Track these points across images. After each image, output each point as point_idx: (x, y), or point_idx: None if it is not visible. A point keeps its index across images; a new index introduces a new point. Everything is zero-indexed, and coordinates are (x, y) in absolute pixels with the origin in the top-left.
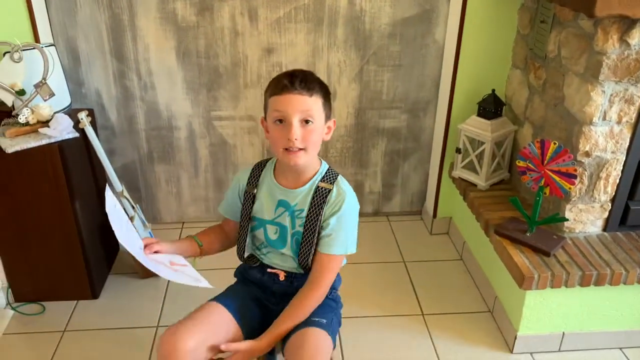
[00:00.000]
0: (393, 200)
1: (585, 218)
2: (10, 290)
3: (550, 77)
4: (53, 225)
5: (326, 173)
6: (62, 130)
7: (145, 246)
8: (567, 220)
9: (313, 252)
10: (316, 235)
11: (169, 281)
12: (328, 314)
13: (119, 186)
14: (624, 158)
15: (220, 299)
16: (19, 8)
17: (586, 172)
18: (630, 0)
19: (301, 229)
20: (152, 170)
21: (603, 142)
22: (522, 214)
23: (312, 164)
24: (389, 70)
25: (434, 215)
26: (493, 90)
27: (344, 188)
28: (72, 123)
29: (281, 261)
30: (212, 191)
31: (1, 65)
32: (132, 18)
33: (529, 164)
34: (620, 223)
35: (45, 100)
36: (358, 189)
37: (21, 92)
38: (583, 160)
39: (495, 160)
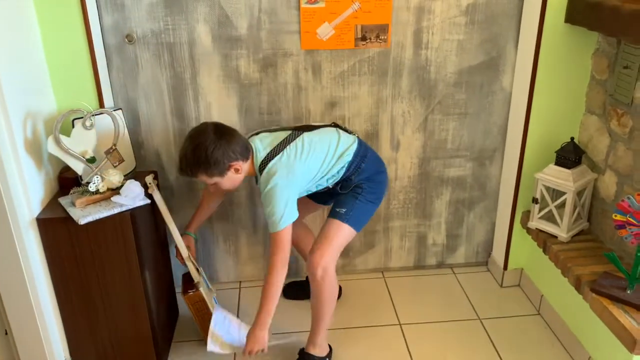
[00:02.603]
0: (457, 251)
1: None
2: None
3: (639, 125)
4: (121, 295)
5: (260, 169)
6: (134, 197)
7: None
8: None
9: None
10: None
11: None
12: (348, 200)
13: (185, 251)
14: None
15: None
16: (85, 73)
17: None
18: None
19: None
20: (211, 229)
21: None
22: (621, 271)
23: (251, 171)
24: (454, 119)
25: (505, 267)
26: (572, 139)
27: (264, 179)
28: (143, 190)
29: None
30: None
31: (73, 133)
32: (194, 76)
33: (629, 218)
34: None
35: (114, 167)
36: (421, 241)
37: (92, 160)
38: None
39: (576, 211)
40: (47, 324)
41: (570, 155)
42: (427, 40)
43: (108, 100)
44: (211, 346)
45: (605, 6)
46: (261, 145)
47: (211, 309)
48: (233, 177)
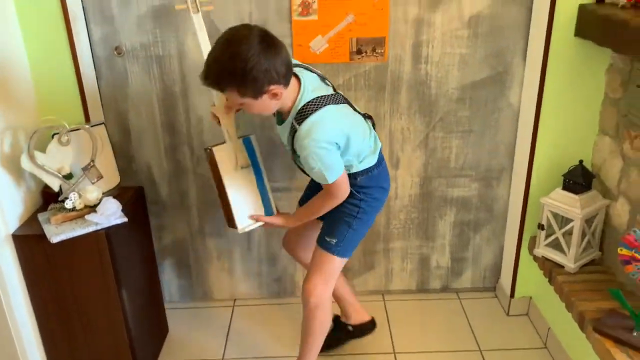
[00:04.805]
0: (463, 275)
1: None
2: None
3: None
4: (99, 314)
5: (300, 110)
6: (109, 215)
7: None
8: None
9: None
10: (299, 162)
11: None
12: (340, 227)
13: (218, 101)
14: None
15: None
16: (70, 86)
17: None
18: None
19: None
20: (204, 245)
21: None
22: (627, 309)
23: (285, 104)
24: (457, 137)
25: (512, 295)
26: (581, 162)
27: (303, 133)
28: (120, 207)
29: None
30: (266, 266)
31: (49, 149)
32: (185, 90)
33: (635, 254)
34: None
35: (93, 183)
36: (424, 263)
37: (69, 176)
38: None
39: (585, 239)
40: (25, 344)
41: (578, 180)
42: (427, 54)
43: (97, 114)
44: (241, 224)
45: (614, 20)
46: (310, 85)
47: (224, 179)
48: (267, 103)
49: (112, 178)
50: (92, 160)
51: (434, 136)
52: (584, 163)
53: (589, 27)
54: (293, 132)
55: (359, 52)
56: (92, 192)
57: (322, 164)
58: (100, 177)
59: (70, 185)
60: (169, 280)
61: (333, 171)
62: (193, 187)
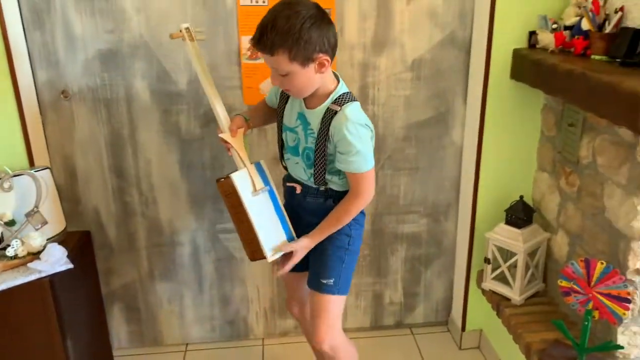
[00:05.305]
0: (416, 310)
1: None
2: None
3: (586, 184)
4: None
5: (340, 96)
6: (54, 262)
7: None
8: (622, 348)
9: (326, 168)
10: (326, 152)
11: None
12: (333, 265)
13: (225, 127)
14: None
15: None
16: (14, 130)
17: (637, 291)
18: None
19: (312, 146)
20: (154, 289)
21: None
22: (569, 339)
23: (323, 88)
24: (405, 174)
25: (463, 328)
26: (521, 197)
27: (346, 113)
28: (65, 253)
29: (297, 171)
30: (218, 309)
31: None
32: (133, 132)
33: (574, 285)
34: None
35: (37, 229)
36: (377, 300)
37: (11, 223)
38: (634, 279)
39: (529, 272)
40: None
41: (519, 214)
42: (373, 96)
43: (42, 158)
44: (271, 256)
45: (545, 64)
46: (342, 80)
47: (246, 205)
48: (310, 76)
49: (58, 223)
50: (36, 206)
51: (383, 174)
52: (524, 198)
53: (523, 70)
54: (331, 114)
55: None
56: (36, 239)
57: (363, 145)
58: (44, 222)
59: (13, 232)
60: (118, 326)
61: (369, 157)
62: (142, 229)
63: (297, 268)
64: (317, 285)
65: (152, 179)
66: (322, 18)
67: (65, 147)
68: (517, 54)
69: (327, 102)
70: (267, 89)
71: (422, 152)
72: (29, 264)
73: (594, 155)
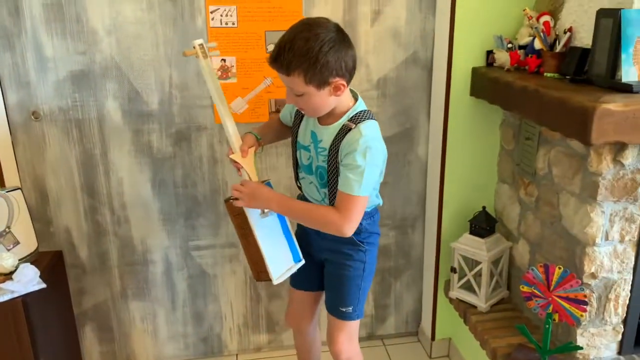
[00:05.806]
0: (387, 321)
1: (599, 342)
2: None
3: (543, 194)
4: None
5: (357, 114)
6: (27, 282)
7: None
8: (582, 348)
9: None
10: (339, 171)
11: None
12: (350, 293)
13: (236, 147)
14: (631, 277)
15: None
16: None
17: (594, 294)
18: (626, 127)
19: (325, 165)
20: (126, 308)
21: (608, 262)
22: (532, 343)
23: (339, 107)
24: None
25: (432, 338)
26: (484, 207)
27: (362, 130)
28: (38, 273)
29: (310, 191)
30: (192, 326)
31: None
32: (105, 152)
33: (535, 290)
34: (636, 344)
35: (9, 250)
36: None
37: None
38: (590, 282)
39: (493, 279)
40: None
41: (482, 224)
42: None
43: (13, 178)
44: (276, 279)
45: (501, 82)
46: (360, 98)
47: (254, 227)
48: (325, 98)
49: (30, 243)
50: (8, 227)
51: None
52: (487, 209)
53: (482, 87)
54: (345, 131)
55: (278, 111)
56: (8, 259)
57: (369, 168)
58: (16, 243)
59: None
60: (90, 346)
61: (368, 184)
62: (114, 248)
63: (307, 287)
64: (336, 313)
65: (124, 198)
66: (342, 41)
67: (36, 167)
68: (475, 72)
69: (343, 120)
70: (237, 107)
71: (390, 168)
72: (2, 285)
73: (549, 167)
